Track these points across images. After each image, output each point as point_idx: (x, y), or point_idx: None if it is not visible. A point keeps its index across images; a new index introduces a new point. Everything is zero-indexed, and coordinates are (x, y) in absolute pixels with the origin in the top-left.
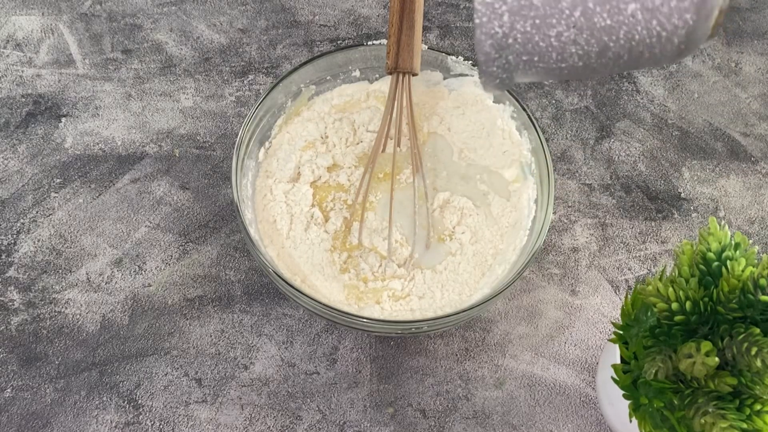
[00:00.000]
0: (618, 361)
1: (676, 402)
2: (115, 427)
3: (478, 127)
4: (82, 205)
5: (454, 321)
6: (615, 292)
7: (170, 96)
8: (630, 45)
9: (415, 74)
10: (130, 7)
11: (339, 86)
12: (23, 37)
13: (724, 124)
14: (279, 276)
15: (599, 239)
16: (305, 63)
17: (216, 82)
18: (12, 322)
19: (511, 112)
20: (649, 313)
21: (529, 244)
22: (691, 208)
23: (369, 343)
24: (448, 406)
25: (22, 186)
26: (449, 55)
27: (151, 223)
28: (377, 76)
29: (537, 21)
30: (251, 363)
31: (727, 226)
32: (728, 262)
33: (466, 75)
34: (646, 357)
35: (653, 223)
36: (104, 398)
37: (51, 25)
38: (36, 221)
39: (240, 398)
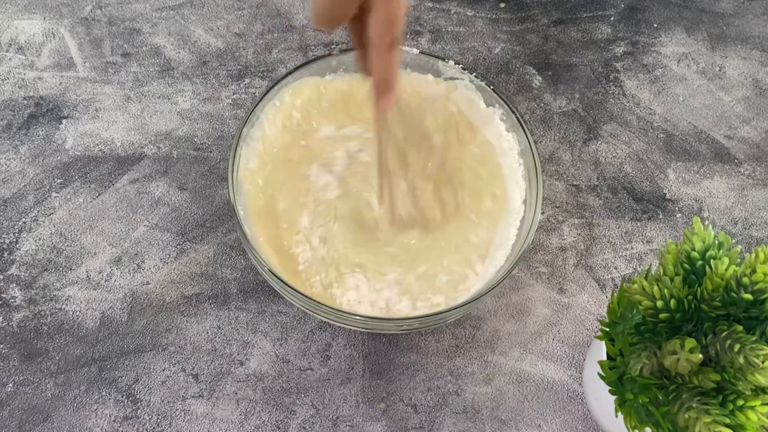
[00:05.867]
0: (604, 357)
1: (660, 397)
2: (114, 420)
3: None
4: (82, 204)
5: (445, 318)
6: (602, 290)
7: (168, 98)
8: None
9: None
10: (130, 11)
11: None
12: (25, 41)
13: (708, 127)
14: (273, 274)
15: (586, 239)
16: (300, 66)
17: (213, 85)
18: (13, 319)
19: (500, 115)
20: (634, 311)
21: (518, 243)
22: (676, 208)
23: (361, 339)
24: (438, 401)
25: (24, 186)
26: (440, 59)
27: (149, 222)
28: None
29: None
30: (246, 359)
31: (710, 226)
32: (712, 261)
33: (457, 78)
34: (631, 354)
35: (639, 223)
36: (103, 393)
37: (52, 29)
38: (37, 220)
39: (235, 393)
